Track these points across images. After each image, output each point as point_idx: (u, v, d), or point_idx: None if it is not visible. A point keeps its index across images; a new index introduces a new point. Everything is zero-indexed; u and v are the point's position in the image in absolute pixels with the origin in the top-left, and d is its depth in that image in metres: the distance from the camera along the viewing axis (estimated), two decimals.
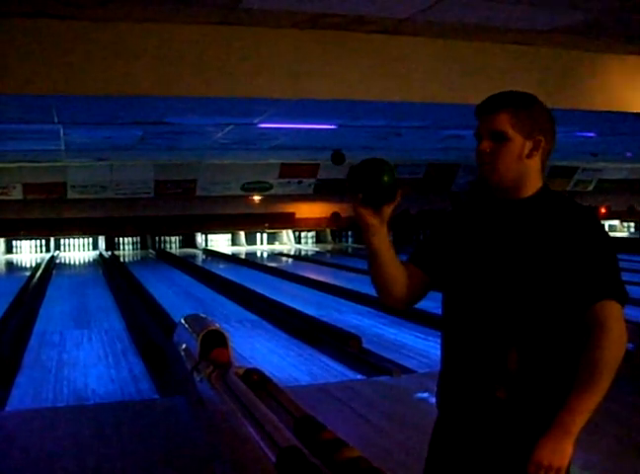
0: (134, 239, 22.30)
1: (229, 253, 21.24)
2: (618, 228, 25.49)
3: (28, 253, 21.20)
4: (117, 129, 11.31)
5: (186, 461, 3.76)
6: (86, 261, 19.87)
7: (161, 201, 21.40)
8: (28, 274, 15.71)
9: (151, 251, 21.99)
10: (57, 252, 21.22)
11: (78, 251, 21.65)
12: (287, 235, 23.89)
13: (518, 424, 1.77)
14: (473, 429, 1.83)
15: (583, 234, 1.77)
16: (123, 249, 22.15)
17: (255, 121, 10.05)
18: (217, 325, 4.67)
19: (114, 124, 10.45)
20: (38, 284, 13.39)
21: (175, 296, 11.62)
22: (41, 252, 21.25)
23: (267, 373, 3.88)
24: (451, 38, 6.22)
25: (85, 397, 5.68)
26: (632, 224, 25.95)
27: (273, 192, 22.10)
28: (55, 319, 9.63)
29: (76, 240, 21.76)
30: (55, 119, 9.27)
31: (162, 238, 22.61)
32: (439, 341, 1.96)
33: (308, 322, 8.42)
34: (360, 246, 21.24)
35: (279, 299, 10.35)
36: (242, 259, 19.91)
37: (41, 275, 15.14)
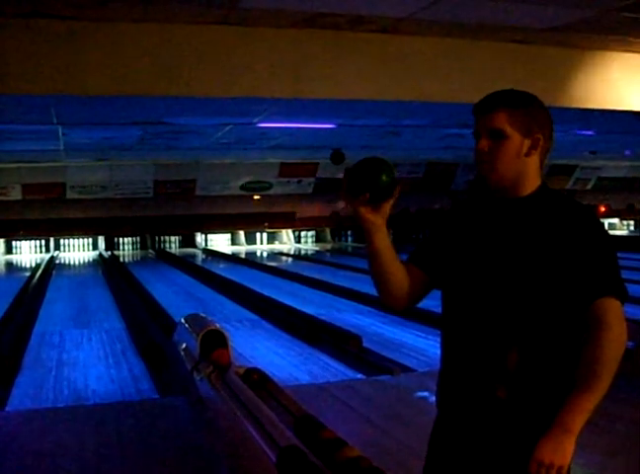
0: (134, 239, 22.30)
1: (229, 252, 21.24)
2: (618, 226, 25.50)
3: (27, 253, 21.20)
4: (116, 129, 11.31)
5: (186, 461, 3.75)
6: (86, 261, 19.87)
7: (161, 201, 21.40)
8: (27, 274, 15.71)
9: (151, 251, 21.99)
10: (57, 252, 21.22)
11: (78, 251, 21.65)
12: (287, 234, 23.90)
13: (518, 423, 1.77)
14: (473, 428, 1.82)
15: (582, 232, 1.77)
16: (123, 249, 22.14)
17: (254, 121, 10.05)
18: (217, 325, 4.68)
19: (113, 125, 10.45)
20: (37, 285, 13.39)
21: (175, 296, 11.62)
22: (41, 252, 21.25)
23: (267, 373, 3.88)
24: (450, 36, 6.22)
25: (85, 397, 5.68)
26: (632, 222, 25.97)
27: (272, 191, 22.10)
28: (55, 319, 9.63)
29: (76, 240, 21.76)
30: (54, 120, 9.27)
31: (162, 238, 22.62)
32: (438, 340, 1.96)
33: (308, 321, 8.41)
34: (359, 245, 21.25)
35: (278, 299, 10.35)
36: (242, 258, 19.91)
37: (41, 275, 15.15)
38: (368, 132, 12.68)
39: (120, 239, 22.14)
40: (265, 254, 21.59)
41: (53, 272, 16.46)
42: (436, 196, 22.04)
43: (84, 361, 6.95)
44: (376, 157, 1.79)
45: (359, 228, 1.83)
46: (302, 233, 24.04)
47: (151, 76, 5.63)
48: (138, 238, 22.29)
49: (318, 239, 24.04)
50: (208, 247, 22.62)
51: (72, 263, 19.67)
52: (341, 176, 1.83)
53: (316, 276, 13.59)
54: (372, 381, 5.60)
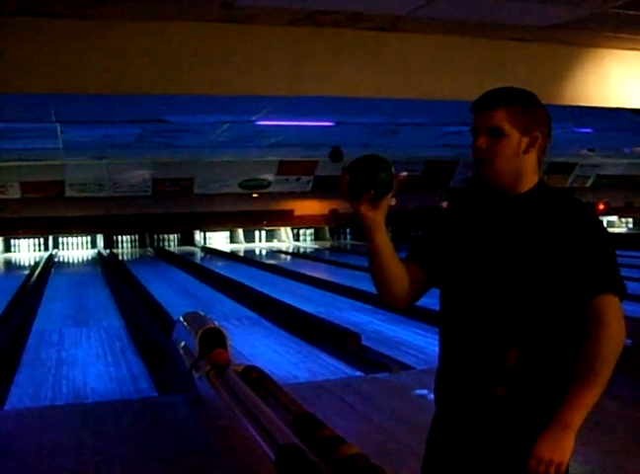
0: (133, 237, 22.29)
1: (228, 250, 21.23)
2: (616, 224, 25.52)
3: (26, 251, 21.19)
4: (114, 128, 11.31)
5: (185, 459, 3.75)
6: (84, 259, 19.87)
7: (159, 199, 21.39)
8: (26, 272, 15.69)
9: (150, 249, 21.99)
10: (56, 250, 21.20)
11: (76, 249, 21.64)
12: (286, 232, 23.89)
13: (516, 420, 1.77)
14: (471, 425, 1.82)
15: (581, 229, 1.77)
16: (122, 247, 22.14)
17: (252, 119, 10.05)
18: (216, 323, 4.68)
19: (111, 123, 10.44)
20: (36, 283, 13.38)
21: (173, 294, 11.62)
22: (40, 250, 21.24)
23: (265, 371, 3.89)
24: (449, 34, 6.21)
25: (84, 395, 5.68)
26: (630, 220, 25.99)
27: (271, 189, 22.10)
28: (54, 317, 9.62)
29: (74, 238, 21.75)
30: (53, 118, 9.26)
31: (160, 236, 22.61)
32: (437, 337, 1.96)
33: (307, 319, 8.41)
34: (358, 243, 21.26)
35: (277, 297, 10.35)
36: (241, 256, 19.90)
37: (40, 273, 15.14)
38: (367, 130, 12.68)
39: (119, 237, 22.13)
40: (263, 252, 21.59)
41: (52, 270, 16.45)
42: (434, 193, 22.02)
43: (83, 360, 6.95)
44: (374, 155, 1.80)
45: (357, 226, 1.83)
46: (301, 231, 24.04)
47: (148, 74, 5.62)
48: (137, 236, 22.29)
49: (317, 237, 24.04)
50: (207, 245, 22.62)
51: (71, 261, 19.67)
52: (340, 174, 1.83)
53: (315, 273, 13.59)
54: (371, 379, 5.61)
